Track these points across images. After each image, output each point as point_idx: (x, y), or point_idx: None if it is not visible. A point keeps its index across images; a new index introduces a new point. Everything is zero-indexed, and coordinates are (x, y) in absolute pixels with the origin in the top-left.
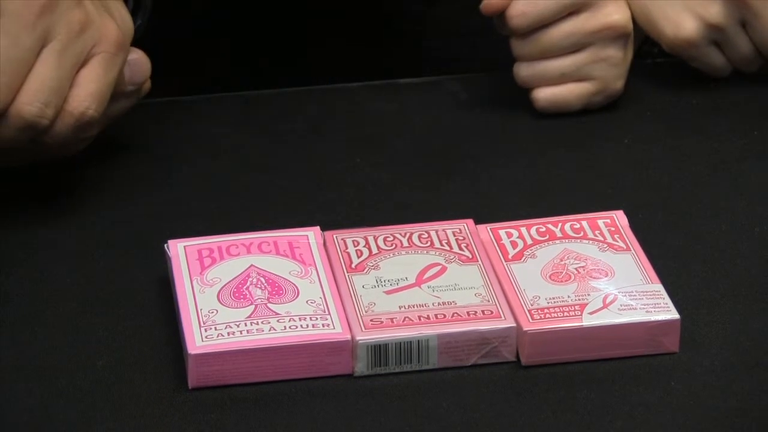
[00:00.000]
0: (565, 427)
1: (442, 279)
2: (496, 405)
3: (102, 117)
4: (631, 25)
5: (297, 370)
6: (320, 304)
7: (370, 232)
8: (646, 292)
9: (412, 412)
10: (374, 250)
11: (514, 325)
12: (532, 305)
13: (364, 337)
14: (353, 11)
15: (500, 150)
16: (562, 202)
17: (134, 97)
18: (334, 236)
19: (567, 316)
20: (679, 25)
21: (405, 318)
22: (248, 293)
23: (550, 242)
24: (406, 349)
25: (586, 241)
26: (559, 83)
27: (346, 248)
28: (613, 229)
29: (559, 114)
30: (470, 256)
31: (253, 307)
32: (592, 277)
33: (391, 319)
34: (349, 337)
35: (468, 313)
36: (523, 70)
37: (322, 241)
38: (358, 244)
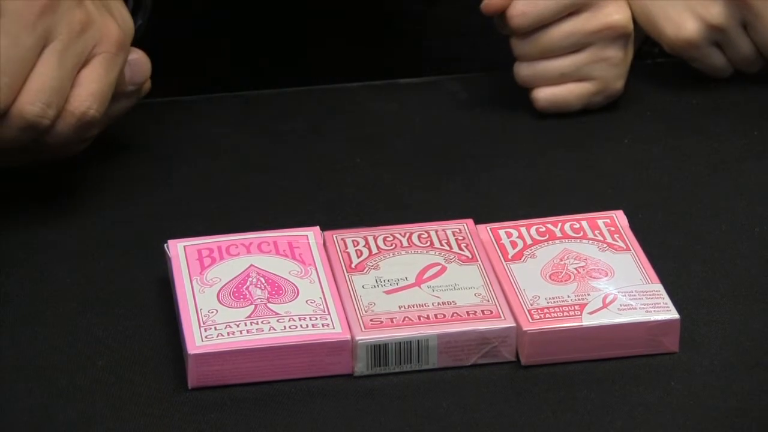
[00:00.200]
0: (565, 427)
1: (442, 279)
2: (496, 405)
3: (103, 117)
4: (631, 26)
5: (297, 370)
6: (320, 304)
7: (370, 232)
8: (646, 292)
9: (412, 412)
10: (374, 250)
11: (514, 325)
12: (531, 305)
13: (364, 337)
14: (353, 11)
15: (500, 150)
16: (562, 202)
17: (134, 97)
18: (334, 236)
19: (567, 316)
20: (680, 25)
21: (405, 318)
22: (248, 293)
23: (550, 242)
24: (406, 349)
25: (586, 241)
26: (559, 83)
27: (346, 248)
28: (612, 229)
29: (559, 114)
30: (470, 256)
31: (252, 307)
32: (592, 277)
33: (391, 319)
34: (348, 337)
35: (468, 313)
36: (523, 70)
37: (321, 241)
38: (358, 244)
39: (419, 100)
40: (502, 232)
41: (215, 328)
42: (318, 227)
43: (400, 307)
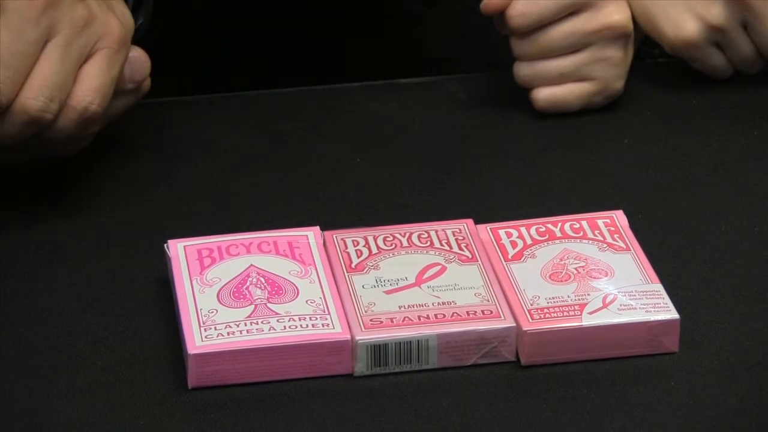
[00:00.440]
0: (565, 427)
1: (442, 279)
2: (496, 405)
3: (103, 114)
4: (631, 26)
5: (297, 370)
6: (320, 304)
7: (369, 232)
8: (646, 291)
9: (412, 412)
10: (374, 250)
11: (514, 325)
12: (531, 305)
13: (364, 336)
14: (353, 11)
15: (500, 150)
16: (562, 202)
17: (134, 96)
18: (334, 236)
19: (567, 316)
20: (680, 26)
21: (405, 318)
22: (248, 293)
23: (550, 242)
24: (406, 348)
25: (586, 241)
26: (558, 83)
27: (346, 248)
28: (612, 229)
29: (559, 114)
30: (470, 256)
31: (252, 306)
32: (592, 277)
33: (391, 319)
34: (348, 336)
35: (468, 313)
36: (523, 70)
37: (321, 241)
38: (358, 244)
39: (419, 100)
40: (502, 232)
41: (215, 328)
42: (318, 227)
43: (400, 307)
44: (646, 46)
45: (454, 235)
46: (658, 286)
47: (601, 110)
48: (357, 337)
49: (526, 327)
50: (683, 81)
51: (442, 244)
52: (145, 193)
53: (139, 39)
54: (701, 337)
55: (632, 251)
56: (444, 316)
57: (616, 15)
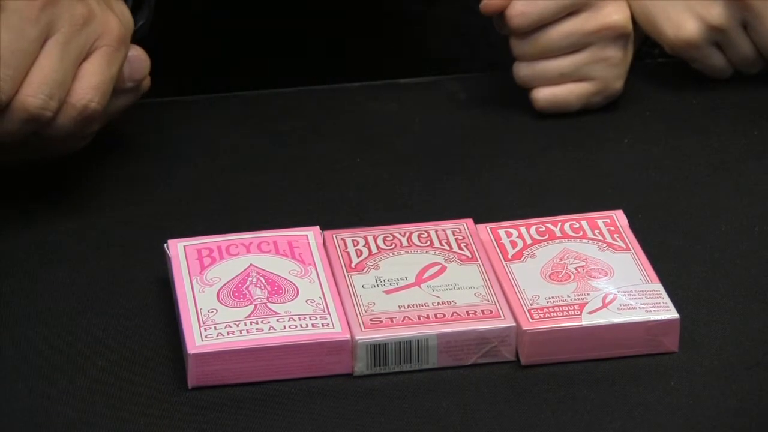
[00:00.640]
0: (565, 427)
1: (442, 278)
2: (496, 405)
3: (103, 112)
4: (630, 26)
5: (297, 370)
6: (320, 304)
7: (369, 232)
8: (646, 291)
9: (412, 412)
10: (374, 250)
11: (514, 324)
12: (531, 305)
13: (364, 336)
14: (353, 11)
15: (500, 150)
16: (562, 202)
17: (134, 94)
18: (334, 236)
19: (566, 316)
20: (680, 26)
21: (404, 317)
22: (248, 293)
23: (550, 242)
24: (406, 348)
25: (586, 241)
26: (558, 83)
27: (346, 248)
28: (612, 228)
29: (558, 114)
30: (470, 256)
31: (252, 306)
32: (592, 277)
33: (391, 319)
34: (348, 336)
35: (467, 312)
36: (523, 70)
37: (321, 241)
38: (358, 243)
39: (419, 100)
40: (501, 232)
41: (215, 328)
42: (318, 227)
43: (399, 307)
44: (646, 46)
45: (453, 235)
46: (658, 286)
47: (601, 110)
48: (357, 337)
49: (526, 327)
50: (683, 81)
51: (441, 244)
52: (145, 193)
53: (139, 39)
54: (701, 337)
55: (632, 251)
56: (444, 315)
57: (615, 15)
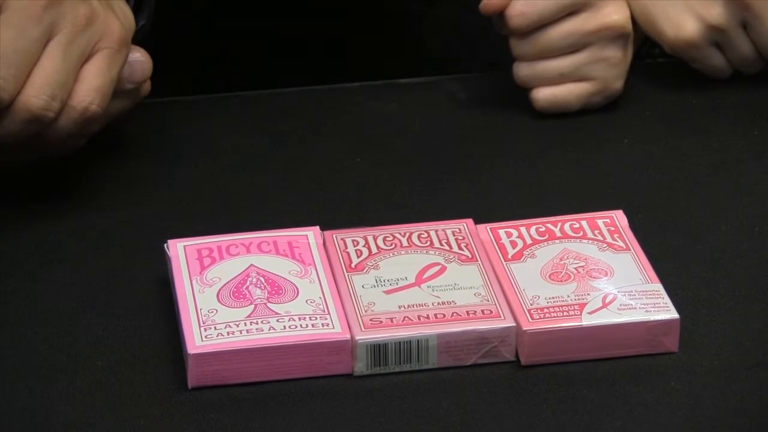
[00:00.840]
0: (565, 427)
1: (442, 279)
2: (496, 405)
3: (103, 114)
4: (630, 26)
5: (296, 370)
6: (320, 304)
7: (369, 232)
8: (646, 291)
9: (412, 412)
10: (374, 250)
11: (514, 324)
12: (531, 305)
13: (364, 336)
14: (353, 11)
15: (500, 150)
16: (562, 202)
17: (133, 97)
18: (334, 236)
19: (566, 316)
20: (679, 26)
21: (404, 318)
22: (248, 293)
23: (550, 242)
24: (406, 348)
25: (586, 241)
26: (558, 83)
27: (346, 248)
28: (612, 228)
29: (559, 114)
30: (470, 256)
31: (252, 306)
32: (592, 277)
33: (391, 319)
34: (348, 336)
35: (467, 312)
36: (523, 70)
37: (321, 241)
38: (358, 243)
39: (419, 100)
40: (501, 232)
41: (215, 328)
42: (318, 227)
43: (399, 307)
44: (646, 46)
45: (453, 235)
46: (658, 286)
47: (600, 110)
48: (357, 337)
49: (526, 327)
50: (683, 81)
51: (441, 244)
52: (145, 193)
53: (140, 41)
54: (701, 337)
55: (632, 251)
56: (444, 315)
57: (615, 15)
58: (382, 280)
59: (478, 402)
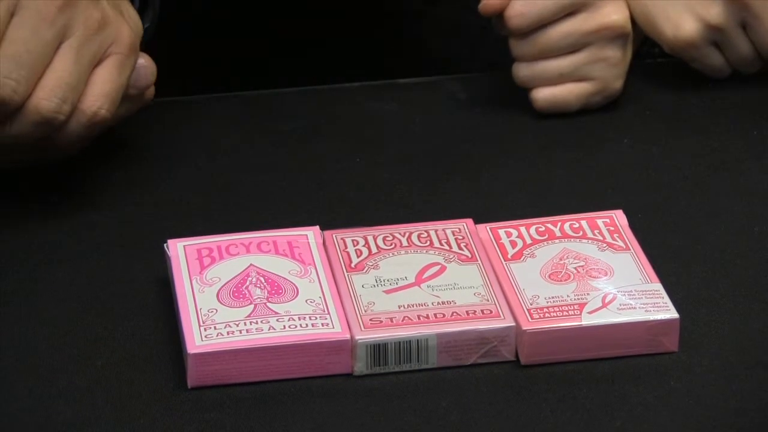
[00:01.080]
0: (565, 427)
1: (442, 278)
2: (496, 404)
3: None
4: (629, 25)
5: (296, 370)
6: (320, 304)
7: (369, 232)
8: (646, 291)
9: (412, 412)
10: (374, 250)
11: (514, 324)
12: (531, 305)
13: (364, 336)
14: (353, 11)
15: (500, 150)
16: (562, 202)
17: (137, 103)
18: (334, 236)
19: (566, 316)
20: (679, 25)
21: (404, 317)
22: (248, 293)
23: (550, 242)
24: (406, 348)
25: (586, 241)
26: (558, 83)
27: (346, 248)
28: (612, 228)
29: (558, 114)
30: (470, 256)
31: (252, 306)
32: (592, 277)
33: (391, 319)
34: (348, 336)
35: (467, 312)
36: (522, 71)
37: (321, 241)
38: (358, 243)
39: (419, 100)
40: (501, 232)
41: (215, 328)
42: (317, 227)
43: (399, 307)
44: (646, 46)
45: (453, 235)
46: (658, 286)
47: (600, 110)
48: (357, 337)
49: (526, 326)
50: (683, 81)
51: (441, 244)
52: (145, 193)
53: (145, 43)
54: (701, 337)
55: (632, 251)
56: (443, 315)
57: (614, 15)
58: (381, 279)
59: (477, 401)
